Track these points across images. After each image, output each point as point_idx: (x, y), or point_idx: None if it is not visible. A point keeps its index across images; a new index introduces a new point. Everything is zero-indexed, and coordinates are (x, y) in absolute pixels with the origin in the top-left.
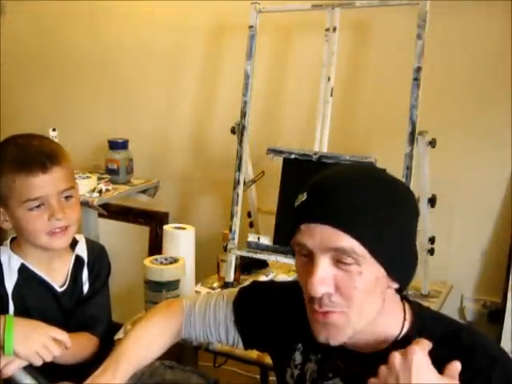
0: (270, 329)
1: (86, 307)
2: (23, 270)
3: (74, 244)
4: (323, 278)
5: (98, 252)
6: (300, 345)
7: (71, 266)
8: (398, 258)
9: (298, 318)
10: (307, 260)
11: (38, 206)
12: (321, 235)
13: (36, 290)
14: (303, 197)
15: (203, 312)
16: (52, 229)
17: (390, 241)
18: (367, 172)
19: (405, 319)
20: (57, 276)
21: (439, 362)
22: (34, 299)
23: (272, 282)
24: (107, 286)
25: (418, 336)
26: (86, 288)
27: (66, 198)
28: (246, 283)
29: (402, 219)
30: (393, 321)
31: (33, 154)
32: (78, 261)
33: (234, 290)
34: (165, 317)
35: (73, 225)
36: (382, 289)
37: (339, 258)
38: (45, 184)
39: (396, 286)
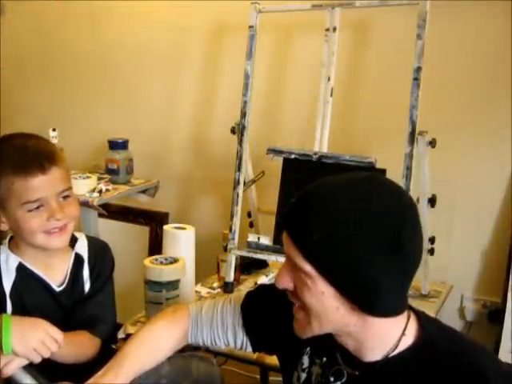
0: (279, 332)
1: (86, 306)
2: (21, 268)
3: (73, 242)
4: (283, 276)
5: (100, 250)
6: (308, 348)
7: (71, 264)
8: (352, 282)
9: None
10: None
11: (38, 208)
12: (286, 243)
13: (34, 289)
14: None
15: (210, 317)
16: (50, 228)
17: (341, 264)
18: (347, 192)
19: (405, 330)
20: (55, 275)
21: (441, 378)
22: (32, 298)
23: None
24: (110, 284)
25: (422, 347)
26: (87, 287)
27: (64, 197)
28: (253, 287)
29: (362, 248)
30: (393, 331)
31: (31, 154)
32: (78, 259)
33: (241, 295)
34: (170, 322)
35: (71, 222)
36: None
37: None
38: (44, 185)
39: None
